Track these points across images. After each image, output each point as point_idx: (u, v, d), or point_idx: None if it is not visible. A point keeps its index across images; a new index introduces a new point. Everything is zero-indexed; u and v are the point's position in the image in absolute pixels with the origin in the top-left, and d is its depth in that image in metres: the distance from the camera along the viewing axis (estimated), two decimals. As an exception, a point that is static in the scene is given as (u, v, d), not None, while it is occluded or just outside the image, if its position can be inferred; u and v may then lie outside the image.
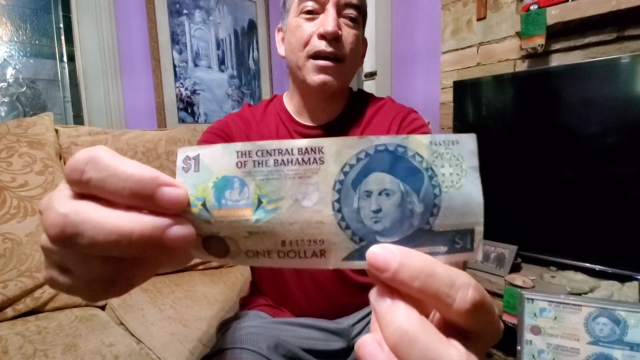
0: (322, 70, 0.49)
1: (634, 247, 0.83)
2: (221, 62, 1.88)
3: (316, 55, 0.49)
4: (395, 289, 0.15)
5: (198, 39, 1.83)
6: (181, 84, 1.72)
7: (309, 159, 0.16)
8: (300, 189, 0.16)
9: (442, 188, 0.16)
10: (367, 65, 1.57)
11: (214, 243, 0.17)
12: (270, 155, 0.16)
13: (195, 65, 1.78)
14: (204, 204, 0.16)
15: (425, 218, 0.16)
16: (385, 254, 0.15)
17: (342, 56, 0.49)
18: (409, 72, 1.51)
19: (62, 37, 1.55)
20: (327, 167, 0.16)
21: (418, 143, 0.17)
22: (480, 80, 1.12)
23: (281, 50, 0.55)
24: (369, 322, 0.52)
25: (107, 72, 1.55)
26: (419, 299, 0.14)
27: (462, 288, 0.14)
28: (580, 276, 0.90)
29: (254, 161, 0.16)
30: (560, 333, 0.69)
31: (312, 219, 0.16)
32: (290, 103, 0.57)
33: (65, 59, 1.54)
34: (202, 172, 0.16)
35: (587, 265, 0.90)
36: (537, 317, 0.72)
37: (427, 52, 1.49)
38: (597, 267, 0.88)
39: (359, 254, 0.17)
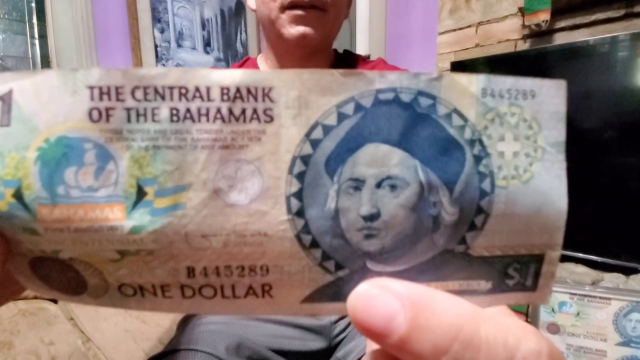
0: (300, 20, 0.42)
1: (637, 239, 0.79)
2: (207, 43, 1.79)
3: (292, 5, 0.41)
4: None
5: (182, 18, 1.74)
6: (163, 65, 1.62)
7: (244, 111, 0.09)
8: (225, 169, 0.09)
9: (497, 179, 0.10)
10: (360, 48, 1.50)
11: (51, 270, 0.10)
12: (163, 97, 0.09)
13: (179, 45, 1.69)
14: (17, 193, 0.09)
15: (460, 233, 0.10)
16: (384, 302, 0.08)
17: (323, 4, 0.42)
18: (404, 55, 1.45)
19: (34, 12, 1.46)
20: (279, 129, 0.09)
21: (459, 91, 0.09)
22: (480, 60, 1.06)
23: (250, 1, 0.47)
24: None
25: (81, 50, 1.46)
26: None
27: None
28: (581, 268, 0.86)
29: (127, 109, 0.09)
30: (584, 332, 0.60)
31: (248, 227, 0.09)
32: (265, 66, 0.49)
33: (36, 35, 1.45)
34: (16, 127, 0.09)
35: (589, 257, 0.86)
36: (555, 313, 0.63)
37: (423, 33, 1.43)
38: (600, 259, 0.83)
39: (333, 292, 0.10)
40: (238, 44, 1.87)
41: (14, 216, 0.09)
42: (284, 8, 0.42)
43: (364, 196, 0.10)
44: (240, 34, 1.87)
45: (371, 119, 0.09)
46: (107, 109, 0.09)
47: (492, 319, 0.08)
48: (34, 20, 1.43)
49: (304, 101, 0.09)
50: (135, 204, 0.09)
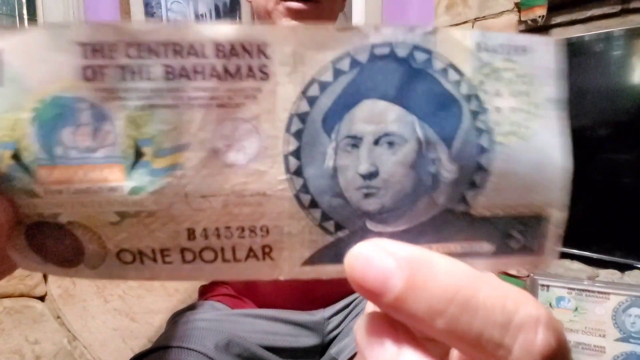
0: (295, 14, 0.41)
1: (632, 235, 0.80)
2: (201, 39, 1.78)
3: None
4: (400, 325, 0.08)
5: (175, 13, 1.72)
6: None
7: (239, 68, 0.09)
8: (222, 129, 0.09)
9: (496, 136, 0.10)
10: (356, 44, 1.49)
11: (49, 237, 0.09)
12: (157, 54, 0.09)
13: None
14: (16, 155, 0.09)
15: (460, 191, 0.10)
16: (381, 263, 0.08)
17: None
18: (400, 51, 1.44)
19: (24, 6, 1.43)
20: (274, 87, 0.09)
21: (454, 45, 0.09)
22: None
23: None
24: (347, 315, 0.44)
25: (73, 45, 1.43)
26: (445, 344, 0.08)
27: (526, 328, 0.07)
28: (577, 265, 0.86)
29: (120, 66, 0.09)
30: (582, 328, 0.59)
31: (246, 187, 0.09)
32: None
33: (26, 25, 1.42)
34: (9, 87, 0.08)
35: (585, 253, 0.86)
36: (552, 309, 0.63)
37: (419, 29, 1.42)
38: (595, 256, 0.83)
39: (334, 253, 0.10)
40: (233, 40, 1.85)
41: (13, 178, 0.09)
42: None
43: (362, 154, 0.09)
44: (235, 30, 1.85)
45: (367, 74, 0.09)
46: (101, 67, 0.09)
47: (490, 282, 0.08)
48: (25, 15, 1.40)
49: (299, 57, 0.09)
50: (134, 165, 0.09)
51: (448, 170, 0.10)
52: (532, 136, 0.10)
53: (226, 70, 0.09)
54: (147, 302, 0.65)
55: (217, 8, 1.80)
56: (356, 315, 0.43)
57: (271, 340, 0.41)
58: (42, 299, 0.70)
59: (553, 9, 0.95)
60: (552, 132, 0.10)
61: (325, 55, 0.09)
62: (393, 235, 0.10)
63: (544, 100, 0.10)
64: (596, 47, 0.85)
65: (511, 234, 0.10)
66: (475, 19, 1.16)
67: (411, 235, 0.10)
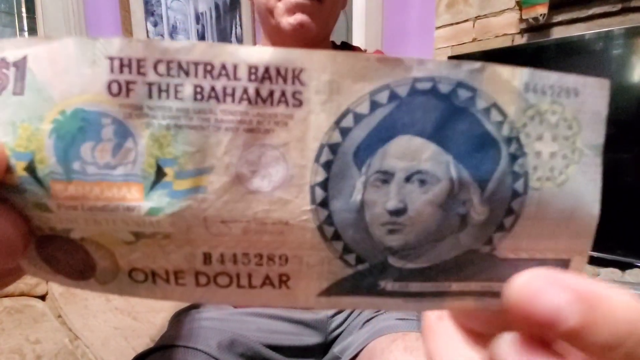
0: (297, 8, 0.41)
1: (633, 234, 0.80)
2: (201, 37, 1.77)
3: None
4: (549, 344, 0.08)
5: (175, 11, 1.72)
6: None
7: (271, 93, 0.09)
8: (248, 154, 0.09)
9: (531, 181, 0.09)
10: (357, 42, 1.49)
11: (59, 250, 0.09)
12: (187, 73, 0.08)
13: (172, 39, 1.66)
14: (30, 167, 0.08)
15: (487, 234, 0.10)
16: (552, 295, 0.08)
17: None
18: (401, 50, 1.44)
19: (23, 4, 1.43)
20: (307, 115, 0.09)
21: (501, 84, 0.09)
22: (477, 54, 1.05)
23: None
24: (351, 314, 0.43)
25: (72, 44, 1.42)
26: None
27: None
28: None
29: (148, 84, 0.08)
30: None
31: (269, 215, 0.09)
32: None
33: (25, 28, 1.42)
34: (30, 96, 0.08)
35: None
36: None
37: (420, 27, 1.42)
38: (596, 254, 0.83)
39: (352, 286, 0.10)
40: (233, 38, 1.84)
41: (25, 190, 0.08)
42: None
43: (392, 190, 0.09)
44: (236, 28, 1.84)
45: (406, 109, 0.09)
46: (128, 83, 0.08)
47: None
48: (23, 13, 1.39)
49: (336, 86, 0.09)
50: (154, 185, 0.09)
51: (478, 213, 0.09)
52: (566, 182, 0.09)
53: (258, 94, 0.09)
54: (149, 301, 0.65)
55: (217, 6, 1.80)
56: (359, 314, 0.43)
57: (274, 339, 0.41)
58: (42, 298, 0.70)
59: (554, 7, 0.95)
60: (588, 179, 0.09)
61: (364, 86, 0.09)
62: (413, 272, 0.10)
63: (585, 145, 0.09)
64: (597, 45, 0.85)
65: None
66: (476, 17, 1.16)
67: (432, 273, 0.10)
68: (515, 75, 0.09)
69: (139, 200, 0.09)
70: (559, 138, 0.09)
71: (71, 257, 0.09)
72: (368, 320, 0.40)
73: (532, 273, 0.09)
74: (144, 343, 0.53)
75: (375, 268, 0.10)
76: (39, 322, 0.58)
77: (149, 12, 1.57)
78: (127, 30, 1.51)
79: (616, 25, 0.89)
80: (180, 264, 0.09)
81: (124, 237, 0.09)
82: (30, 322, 0.57)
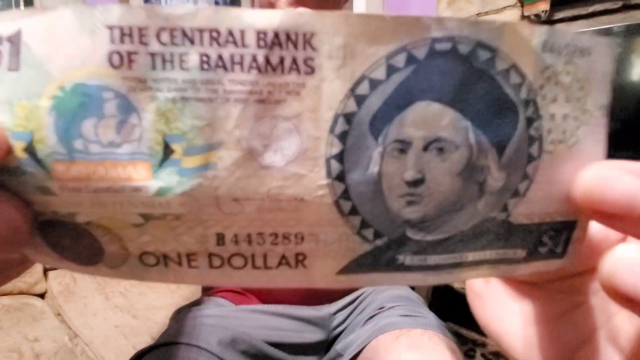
0: (299, 2, 0.40)
1: None
2: (200, 35, 1.76)
3: None
4: None
5: (174, 9, 1.71)
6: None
7: (282, 60, 0.08)
8: (260, 127, 0.08)
9: (545, 144, 0.09)
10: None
11: (64, 236, 0.09)
12: (192, 41, 0.08)
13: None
14: (30, 147, 0.08)
15: (503, 200, 0.09)
16: (624, 182, 0.08)
17: None
18: (401, 48, 1.43)
19: (21, 1, 1.42)
20: (320, 83, 0.08)
21: (520, 43, 0.09)
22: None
23: None
24: (353, 311, 0.43)
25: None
26: None
27: None
28: None
29: (151, 54, 0.08)
30: None
31: (283, 192, 0.09)
32: None
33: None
34: (27, 72, 0.08)
35: None
36: None
37: (420, 25, 1.42)
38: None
39: (370, 262, 0.09)
40: (232, 37, 1.84)
41: (25, 173, 0.08)
42: None
43: (410, 160, 0.09)
44: (235, 26, 1.84)
45: (424, 73, 0.08)
46: (129, 53, 0.08)
47: None
48: (21, 7, 1.38)
49: (350, 50, 0.08)
50: (162, 163, 0.08)
51: (496, 179, 0.09)
52: (576, 144, 0.09)
53: (268, 62, 0.08)
54: (149, 299, 0.64)
55: (217, 4, 1.79)
56: (362, 311, 0.43)
57: (276, 336, 0.40)
58: (42, 296, 0.69)
59: (556, 4, 0.95)
60: (595, 139, 0.09)
61: (379, 49, 0.08)
62: (432, 244, 0.10)
63: (594, 106, 0.09)
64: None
65: (542, 240, 0.10)
66: (477, 14, 1.15)
67: (450, 244, 0.10)
68: (535, 34, 0.09)
69: (147, 179, 0.08)
70: (572, 99, 0.09)
71: (77, 243, 0.09)
72: (371, 317, 0.40)
73: (602, 164, 0.09)
74: (143, 341, 0.52)
75: (393, 242, 0.09)
76: (38, 320, 0.57)
77: (148, 10, 1.56)
78: (126, 28, 1.50)
79: (617, 22, 0.89)
80: (193, 246, 0.09)
81: (132, 219, 0.09)
82: (29, 321, 0.57)
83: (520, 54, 0.09)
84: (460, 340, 0.83)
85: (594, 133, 0.09)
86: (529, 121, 0.09)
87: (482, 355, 0.81)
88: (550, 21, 0.97)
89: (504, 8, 1.08)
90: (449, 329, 0.36)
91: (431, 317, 0.38)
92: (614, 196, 0.08)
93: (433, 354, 0.31)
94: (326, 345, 0.44)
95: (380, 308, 0.40)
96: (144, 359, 0.35)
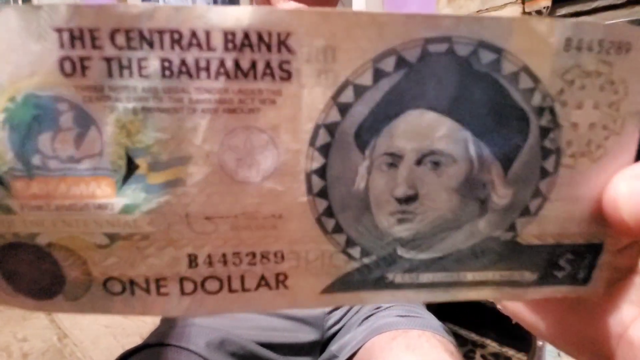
0: (295, 2, 0.39)
1: None
2: (199, 34, 1.76)
3: None
4: None
5: (173, 7, 1.71)
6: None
7: (254, 64, 0.07)
8: (231, 139, 0.08)
9: (564, 157, 0.08)
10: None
11: (23, 262, 0.08)
12: (151, 45, 0.07)
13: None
14: None
15: (510, 219, 0.08)
16: None
17: None
18: (401, 45, 1.43)
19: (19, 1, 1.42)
20: (298, 90, 0.07)
21: (534, 41, 0.07)
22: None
23: None
24: (348, 311, 0.42)
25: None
26: None
27: None
28: None
29: (106, 59, 0.07)
30: None
31: (260, 209, 0.08)
32: None
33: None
34: None
35: None
36: (560, 357, 0.59)
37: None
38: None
39: (357, 281, 0.09)
40: (231, 35, 1.84)
41: None
42: None
43: (401, 174, 0.08)
44: (234, 25, 1.84)
45: (416, 78, 0.08)
46: (82, 59, 0.07)
47: None
48: (19, 3, 1.39)
49: (332, 53, 0.07)
50: (126, 179, 0.08)
51: (500, 196, 0.08)
52: (603, 156, 0.08)
53: (237, 67, 0.07)
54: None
55: (215, 2, 1.78)
56: (358, 311, 0.41)
57: (268, 337, 0.39)
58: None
59: (558, 0, 0.94)
60: (626, 151, 0.08)
61: (365, 51, 0.07)
62: (425, 262, 0.09)
63: (628, 112, 0.08)
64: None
65: (558, 264, 0.09)
66: (477, 11, 1.14)
67: (446, 263, 0.09)
68: (554, 30, 0.07)
69: (111, 196, 0.08)
70: (602, 105, 0.08)
71: (36, 269, 0.08)
72: (367, 317, 0.39)
73: (620, 177, 0.08)
74: (133, 341, 0.51)
75: (382, 260, 0.09)
76: (28, 319, 0.57)
77: (147, 8, 1.56)
78: (124, 26, 1.50)
79: (622, 17, 0.87)
80: (163, 270, 0.08)
81: (96, 240, 0.08)
82: (19, 320, 0.56)
83: (533, 54, 0.07)
84: (460, 341, 0.81)
85: (624, 143, 0.08)
86: (544, 131, 0.08)
87: (482, 356, 0.80)
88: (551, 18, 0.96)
89: (505, 5, 1.06)
90: (447, 330, 0.35)
91: (429, 317, 0.37)
92: None
93: (430, 355, 0.30)
94: (320, 345, 0.42)
95: (377, 308, 0.39)
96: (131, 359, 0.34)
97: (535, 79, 0.08)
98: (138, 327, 0.56)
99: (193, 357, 0.34)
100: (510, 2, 1.05)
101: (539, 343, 0.63)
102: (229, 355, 0.37)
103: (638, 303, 0.09)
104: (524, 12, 0.97)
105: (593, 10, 0.93)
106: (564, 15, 0.96)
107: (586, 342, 0.10)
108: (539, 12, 0.93)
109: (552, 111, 0.08)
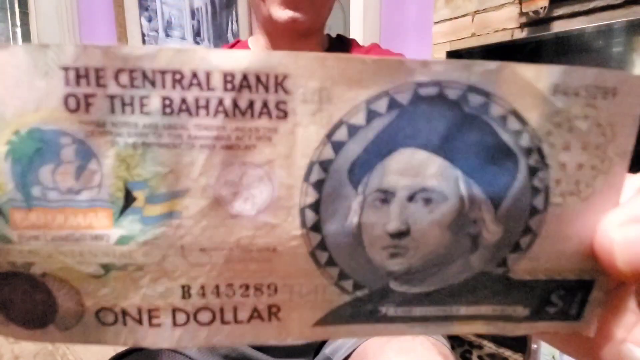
0: (289, 4, 0.40)
1: None
2: (196, 33, 1.75)
3: None
4: None
5: (170, 7, 1.70)
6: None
7: (251, 104, 0.08)
8: (228, 174, 0.08)
9: (553, 196, 0.08)
10: (354, 37, 1.47)
11: (17, 291, 0.08)
12: (153, 84, 0.07)
13: (167, 35, 1.65)
14: None
15: (501, 255, 0.09)
16: None
17: None
18: (399, 45, 1.42)
19: (16, 1, 1.41)
20: (294, 128, 0.08)
21: (521, 86, 0.08)
22: (476, 49, 1.04)
23: None
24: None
25: (65, 40, 1.41)
26: None
27: None
28: None
29: (110, 97, 0.07)
30: None
31: (254, 242, 0.08)
32: (256, 46, 0.48)
33: (18, 22, 1.40)
34: None
35: None
36: None
37: (418, 23, 1.41)
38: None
39: (350, 314, 0.09)
40: (229, 34, 1.82)
41: None
42: None
43: (393, 210, 0.08)
44: (232, 24, 1.82)
45: (408, 119, 0.08)
46: (86, 96, 0.08)
47: None
48: (16, 8, 1.37)
49: (326, 94, 0.08)
50: (124, 210, 0.08)
51: (491, 233, 0.09)
52: (591, 195, 0.08)
53: (236, 106, 0.08)
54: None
55: (212, 2, 1.77)
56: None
57: (262, 340, 0.39)
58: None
59: (555, 1, 0.93)
60: (614, 190, 0.08)
61: (358, 93, 0.08)
62: (418, 297, 0.09)
63: (616, 153, 0.08)
64: (598, 39, 0.83)
65: (550, 300, 0.09)
66: (475, 11, 1.14)
67: (438, 297, 0.09)
68: (542, 76, 0.08)
69: (108, 227, 0.08)
70: (590, 147, 0.08)
71: (30, 299, 0.08)
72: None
73: (609, 223, 0.08)
74: (127, 343, 0.51)
75: (375, 294, 0.09)
76: (20, 321, 0.56)
77: (143, 7, 1.54)
78: (120, 25, 1.49)
79: (620, 18, 0.87)
80: (155, 300, 0.08)
81: (91, 270, 0.08)
82: (10, 322, 0.55)
83: (521, 97, 0.08)
84: (457, 342, 0.81)
85: (613, 184, 0.08)
86: (532, 170, 0.08)
87: (479, 357, 0.80)
88: (549, 18, 0.96)
89: (502, 5, 1.06)
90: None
91: (423, 319, 0.37)
92: None
93: (423, 358, 0.30)
94: (314, 348, 0.42)
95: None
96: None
97: (523, 121, 0.08)
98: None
99: (184, 360, 0.33)
100: (507, 3, 1.05)
101: (534, 345, 0.63)
102: (221, 358, 0.36)
103: (629, 327, 0.09)
104: (521, 13, 0.97)
105: (590, 11, 0.93)
106: (562, 16, 0.96)
107: (591, 349, 0.10)
108: (535, 12, 0.93)
109: (540, 152, 0.08)
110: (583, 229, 0.08)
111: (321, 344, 0.42)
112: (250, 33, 1.82)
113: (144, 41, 1.55)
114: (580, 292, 0.09)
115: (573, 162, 0.08)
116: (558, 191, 0.08)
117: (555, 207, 0.08)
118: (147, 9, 1.60)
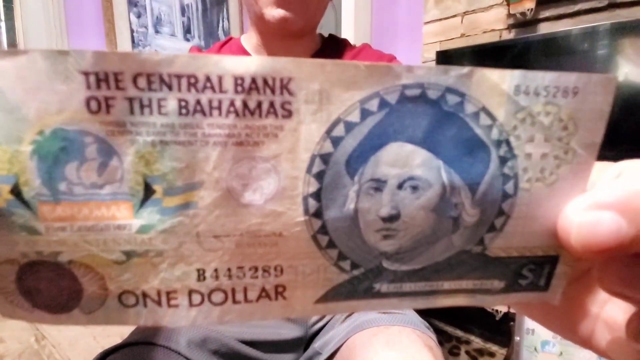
0: (281, 3, 0.40)
1: None
2: (187, 30, 1.73)
3: None
4: None
5: (159, 3, 1.67)
6: (140, 51, 1.56)
7: (259, 104, 0.08)
8: (238, 168, 0.09)
9: (521, 182, 0.09)
10: (346, 38, 1.47)
11: (43, 278, 0.09)
12: (170, 87, 0.08)
13: (157, 31, 1.62)
14: (15, 189, 0.08)
15: (479, 234, 0.10)
16: (605, 224, 0.08)
17: None
18: (390, 45, 1.43)
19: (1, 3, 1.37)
20: (297, 125, 0.09)
21: (489, 88, 0.09)
22: (465, 50, 1.05)
23: None
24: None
25: (51, 35, 1.37)
26: None
27: None
28: None
29: (129, 99, 0.08)
30: None
31: (262, 228, 0.09)
32: (249, 44, 0.47)
33: (2, 16, 1.36)
34: (2, 117, 0.08)
35: None
36: (537, 353, 0.61)
37: (409, 24, 1.42)
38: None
39: (348, 290, 0.10)
40: (220, 32, 1.81)
41: (12, 214, 0.08)
42: None
43: (385, 197, 0.09)
44: (223, 21, 1.81)
45: (396, 116, 0.09)
46: (107, 99, 0.08)
47: None
48: (1, 3, 1.34)
49: (326, 95, 0.09)
50: (143, 202, 0.09)
51: (470, 215, 0.10)
52: (556, 182, 0.09)
53: (245, 106, 0.08)
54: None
55: (203, 1, 1.76)
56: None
57: (251, 334, 0.39)
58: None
59: (541, 3, 0.95)
60: (578, 177, 0.09)
61: (353, 95, 0.09)
62: (407, 273, 0.10)
63: (580, 145, 0.09)
64: (583, 41, 0.85)
65: (522, 273, 0.10)
66: (464, 12, 1.15)
67: (425, 273, 0.10)
68: (505, 78, 0.09)
69: (129, 218, 0.09)
70: (552, 139, 0.09)
71: (56, 286, 0.09)
72: (350, 315, 0.39)
73: (573, 207, 0.09)
74: (113, 342, 0.50)
75: (370, 272, 0.10)
76: (5, 320, 0.55)
77: (132, 2, 1.52)
78: (109, 21, 1.46)
79: (603, 20, 0.90)
80: (173, 283, 0.09)
81: (114, 257, 0.09)
82: (-6, 321, 0.54)
83: (489, 97, 0.09)
84: (445, 337, 0.82)
85: (578, 171, 0.09)
86: (503, 160, 0.09)
87: (467, 352, 0.81)
88: (536, 20, 0.98)
89: (491, 6, 1.08)
90: (433, 326, 0.36)
91: (411, 314, 0.37)
92: (602, 238, 0.08)
93: (410, 351, 0.30)
94: (304, 342, 0.42)
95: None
96: (109, 359, 0.33)
97: (492, 117, 0.09)
98: (118, 328, 0.54)
99: (174, 356, 0.33)
100: (496, 4, 1.07)
101: (517, 338, 0.65)
102: (211, 353, 0.36)
103: (602, 303, 0.11)
104: (509, 14, 0.98)
105: (576, 13, 0.95)
106: (548, 18, 0.98)
107: (569, 324, 0.11)
108: (523, 14, 0.94)
109: (508, 143, 0.09)
110: (549, 211, 0.09)
111: (310, 339, 0.42)
112: (242, 31, 1.81)
113: (132, 37, 1.53)
114: (548, 266, 0.10)
115: (537, 152, 0.09)
116: (526, 178, 0.09)
117: (524, 192, 0.09)
118: (136, 5, 1.57)
